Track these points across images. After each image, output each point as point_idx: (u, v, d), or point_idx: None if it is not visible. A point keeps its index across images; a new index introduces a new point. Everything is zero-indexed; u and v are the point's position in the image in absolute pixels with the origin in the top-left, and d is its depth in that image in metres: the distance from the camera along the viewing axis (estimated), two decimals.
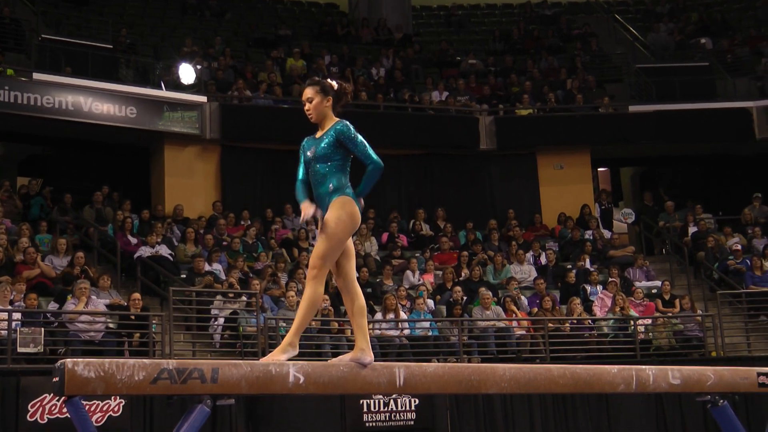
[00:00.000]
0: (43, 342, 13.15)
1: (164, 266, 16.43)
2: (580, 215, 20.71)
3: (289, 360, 5.58)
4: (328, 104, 5.98)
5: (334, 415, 14.08)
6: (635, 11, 28.82)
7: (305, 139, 6.12)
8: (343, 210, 5.79)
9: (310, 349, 14.41)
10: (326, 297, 15.23)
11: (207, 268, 16.50)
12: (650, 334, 16.83)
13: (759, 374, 7.00)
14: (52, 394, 12.17)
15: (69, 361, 4.85)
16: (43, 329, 13.33)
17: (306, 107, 6.02)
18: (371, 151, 5.85)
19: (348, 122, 5.93)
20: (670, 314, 17.18)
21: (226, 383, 5.22)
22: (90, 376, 4.86)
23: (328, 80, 6.06)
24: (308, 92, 6.01)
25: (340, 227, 5.77)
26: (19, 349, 12.98)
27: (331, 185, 5.84)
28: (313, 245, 17.98)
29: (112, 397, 12.56)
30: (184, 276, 16.41)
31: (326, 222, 5.78)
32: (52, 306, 14.31)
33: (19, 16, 21.24)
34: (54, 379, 4.88)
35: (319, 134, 6.01)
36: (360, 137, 5.87)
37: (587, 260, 18.85)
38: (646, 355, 16.12)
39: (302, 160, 6.06)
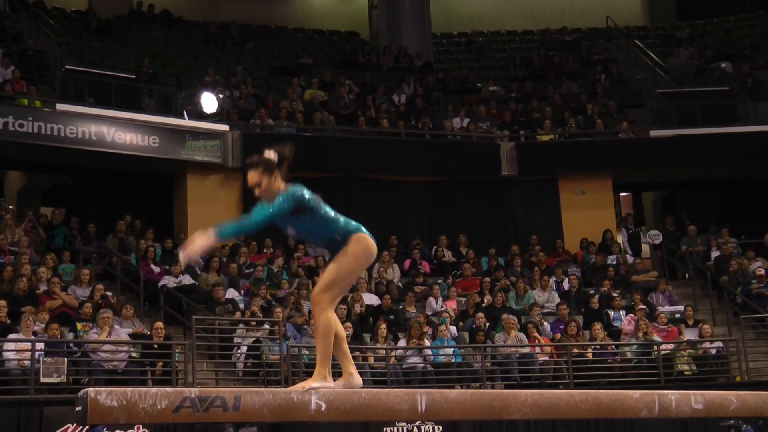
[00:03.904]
0: (66, 372, 13.20)
1: (188, 296, 16.47)
2: (603, 240, 20.66)
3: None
4: (276, 180, 5.80)
5: None
6: (655, 36, 28.86)
7: (279, 223, 5.96)
8: (359, 245, 5.80)
9: (333, 377, 14.37)
10: (349, 324, 15.25)
11: (227, 296, 16.53)
12: (676, 360, 16.72)
13: None
14: (75, 424, 12.21)
15: (91, 390, 4.86)
16: (66, 359, 13.39)
17: (256, 192, 5.85)
18: (260, 214, 5.71)
19: (290, 191, 5.76)
20: (693, 339, 17.08)
21: (248, 411, 5.22)
22: (112, 404, 4.88)
23: (265, 153, 5.82)
24: (253, 177, 5.81)
25: (354, 260, 5.80)
26: (42, 379, 13.01)
27: (337, 236, 5.82)
28: None
29: (136, 426, 12.57)
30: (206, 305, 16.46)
31: (342, 253, 5.81)
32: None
33: (44, 48, 21.47)
34: (77, 409, 4.89)
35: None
36: (280, 201, 5.71)
37: (609, 285, 18.76)
38: (670, 380, 16.03)
39: (269, 215, 5.79)
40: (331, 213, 5.85)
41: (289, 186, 5.81)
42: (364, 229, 5.90)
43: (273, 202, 5.77)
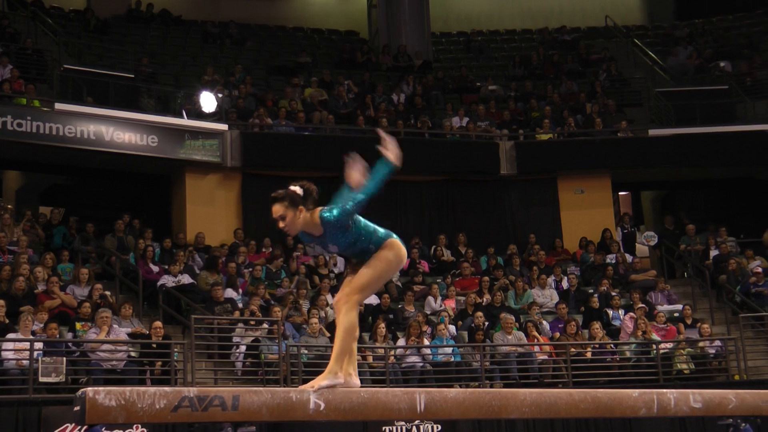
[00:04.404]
0: (64, 371, 13.19)
1: (187, 295, 16.47)
2: (602, 239, 20.66)
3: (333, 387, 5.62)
4: (301, 214, 5.75)
5: None
6: (654, 35, 28.84)
7: (304, 238, 5.98)
8: (391, 251, 5.86)
9: None
10: None
11: (226, 295, 16.52)
12: (675, 358, 16.73)
13: None
14: (73, 424, 12.21)
15: (90, 390, 4.85)
16: (64, 359, 13.37)
17: (279, 225, 5.80)
18: (357, 195, 5.74)
19: (324, 211, 5.73)
20: (692, 338, 17.09)
21: (247, 411, 5.21)
22: (111, 404, 4.86)
23: (291, 188, 5.81)
24: (278, 210, 5.76)
25: (386, 265, 5.86)
26: (41, 379, 13.00)
27: (372, 246, 5.85)
28: (333, 272, 18.12)
29: (134, 426, 12.57)
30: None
31: (374, 258, 5.84)
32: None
33: (42, 47, 21.44)
34: (75, 408, 4.88)
35: (317, 233, 5.84)
36: (345, 208, 5.70)
37: (608, 284, 18.76)
38: (669, 379, 16.04)
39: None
40: (367, 223, 5.89)
41: (318, 211, 5.78)
42: (394, 234, 5.95)
43: (308, 230, 5.81)
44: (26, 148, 17.98)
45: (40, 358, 13.10)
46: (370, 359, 15.60)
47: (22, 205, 19.47)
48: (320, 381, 5.58)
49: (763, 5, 28.43)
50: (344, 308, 5.78)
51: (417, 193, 21.12)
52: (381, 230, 5.91)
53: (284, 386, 13.78)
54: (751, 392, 6.98)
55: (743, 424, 6.93)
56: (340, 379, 5.63)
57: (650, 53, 26.20)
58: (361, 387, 5.76)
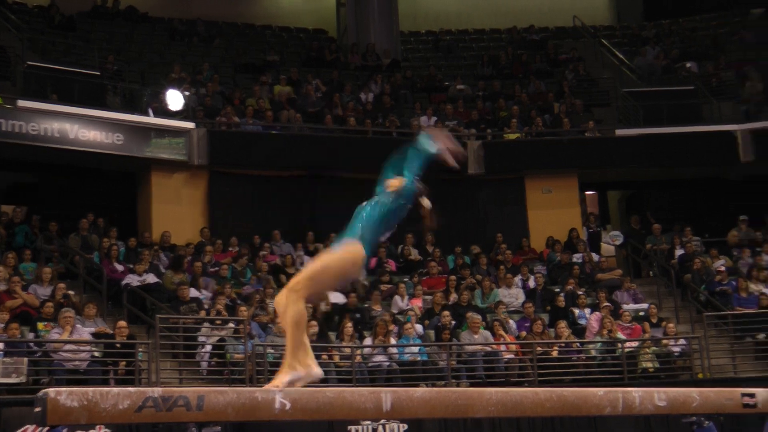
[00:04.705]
0: (26, 372, 13.04)
1: (152, 294, 16.35)
2: (568, 239, 20.73)
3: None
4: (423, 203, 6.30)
5: None
6: (621, 36, 28.98)
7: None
8: (352, 254, 5.92)
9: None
10: (314, 323, 15.19)
11: (192, 295, 16.42)
12: (639, 356, 16.81)
13: (743, 395, 7.00)
14: (34, 425, 12.08)
15: (51, 391, 4.77)
16: (26, 359, 13.22)
17: (387, 188, 6.43)
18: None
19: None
20: (656, 337, 17.18)
21: (212, 411, 5.15)
22: (73, 405, 4.79)
23: (425, 201, 6.47)
24: (397, 183, 6.42)
25: (340, 262, 5.89)
26: (1, 380, 12.85)
27: (354, 230, 6.07)
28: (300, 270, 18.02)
29: (98, 427, 12.44)
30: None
31: (334, 250, 5.91)
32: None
33: (4, 43, 21.23)
34: (36, 409, 4.79)
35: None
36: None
37: (575, 284, 18.82)
38: (634, 377, 16.12)
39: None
40: (380, 219, 6.26)
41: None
42: (363, 245, 5.98)
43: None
44: None
45: (0, 359, 12.95)
46: (337, 358, 15.55)
47: None
48: (282, 378, 5.55)
49: (730, 7, 28.65)
50: (292, 298, 5.69)
51: None
52: (366, 234, 6.04)
53: (250, 386, 13.72)
54: (715, 390, 7.02)
55: (706, 422, 6.97)
56: (300, 372, 5.60)
57: (618, 53, 26.34)
58: (327, 386, 5.72)
